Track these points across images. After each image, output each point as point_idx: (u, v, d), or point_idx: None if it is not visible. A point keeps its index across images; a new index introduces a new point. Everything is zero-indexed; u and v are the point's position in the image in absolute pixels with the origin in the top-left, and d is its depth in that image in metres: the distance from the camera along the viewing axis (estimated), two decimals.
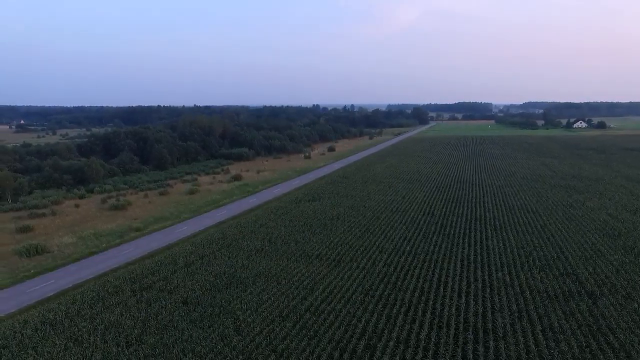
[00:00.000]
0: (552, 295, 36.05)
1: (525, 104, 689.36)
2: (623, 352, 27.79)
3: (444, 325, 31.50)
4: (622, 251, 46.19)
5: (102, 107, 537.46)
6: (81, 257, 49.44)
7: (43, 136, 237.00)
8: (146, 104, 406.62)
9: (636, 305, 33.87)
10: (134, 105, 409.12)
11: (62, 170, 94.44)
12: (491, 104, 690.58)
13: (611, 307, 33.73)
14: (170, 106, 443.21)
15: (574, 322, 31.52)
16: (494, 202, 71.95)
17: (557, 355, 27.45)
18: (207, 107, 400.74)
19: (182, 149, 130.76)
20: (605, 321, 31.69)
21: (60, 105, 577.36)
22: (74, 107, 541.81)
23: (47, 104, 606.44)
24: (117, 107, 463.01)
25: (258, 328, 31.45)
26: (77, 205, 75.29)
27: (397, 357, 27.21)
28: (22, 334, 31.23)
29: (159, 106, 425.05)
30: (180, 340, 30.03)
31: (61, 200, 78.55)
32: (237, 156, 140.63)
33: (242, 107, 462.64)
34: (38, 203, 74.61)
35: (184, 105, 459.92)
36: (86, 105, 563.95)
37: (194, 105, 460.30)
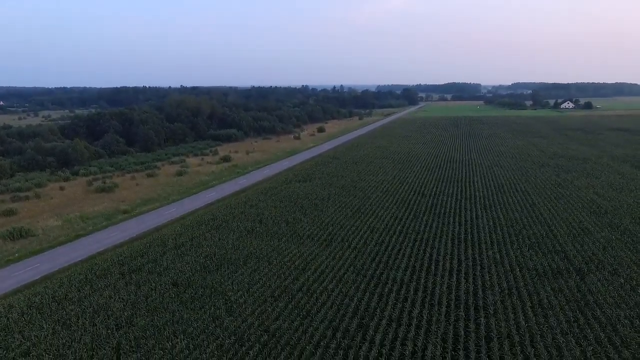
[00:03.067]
0: (541, 272, 36.50)
1: (513, 84, 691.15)
2: (610, 326, 28.32)
3: (436, 303, 31.69)
4: (608, 228, 46.89)
5: (85, 88, 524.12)
6: (67, 240, 48.44)
7: (24, 118, 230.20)
8: (131, 85, 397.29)
9: (622, 281, 34.49)
10: (118, 86, 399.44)
11: (45, 152, 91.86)
12: (480, 85, 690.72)
13: (598, 282, 34.29)
14: (156, 87, 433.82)
15: (563, 298, 31.99)
16: (483, 181, 72.33)
17: (546, 330, 27.85)
18: (194, 88, 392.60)
19: (169, 131, 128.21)
20: (593, 296, 32.23)
21: (41, 86, 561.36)
22: (55, 88, 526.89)
23: (27, 85, 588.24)
24: (100, 88, 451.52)
25: (250, 308, 31.25)
26: (62, 188, 73.55)
27: (390, 335, 27.31)
28: (8, 318, 30.53)
29: (144, 87, 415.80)
30: (171, 321, 29.68)
31: (45, 183, 76.61)
32: (225, 137, 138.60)
33: (230, 88, 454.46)
34: (21, 186, 72.64)
35: (170, 86, 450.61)
36: (68, 86, 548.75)
37: (181, 86, 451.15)
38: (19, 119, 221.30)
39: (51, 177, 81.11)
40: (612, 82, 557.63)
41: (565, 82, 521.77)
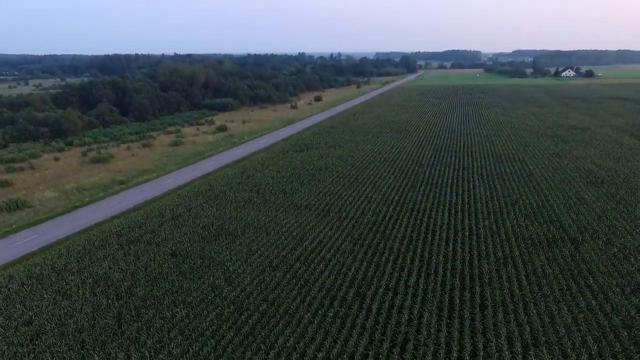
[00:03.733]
0: (536, 241, 36.89)
1: (514, 52, 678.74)
2: (601, 294, 28.90)
3: (432, 272, 32.12)
4: (604, 198, 47.13)
5: (76, 55, 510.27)
6: (64, 211, 48.36)
7: (14, 87, 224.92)
8: (123, 52, 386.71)
9: (615, 250, 34.95)
10: (109, 53, 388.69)
11: (38, 122, 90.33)
12: (480, 52, 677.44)
13: (592, 252, 34.75)
14: (148, 54, 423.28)
15: (557, 267, 32.47)
16: (481, 151, 72.03)
17: (540, 298, 28.40)
18: (188, 56, 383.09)
19: (163, 100, 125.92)
20: (586, 265, 32.73)
21: (30, 53, 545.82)
22: (45, 55, 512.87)
23: (16, 52, 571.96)
24: (92, 56, 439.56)
25: (249, 278, 31.62)
26: (56, 159, 72.81)
27: (386, 304, 27.80)
28: (9, 289, 30.81)
29: (136, 55, 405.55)
30: (170, 291, 30.06)
31: (39, 154, 75.76)
32: (221, 106, 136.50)
33: (225, 55, 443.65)
34: (15, 157, 71.78)
35: (163, 54, 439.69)
36: (58, 54, 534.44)
37: (174, 53, 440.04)
38: (10, 87, 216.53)
39: (45, 148, 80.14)
40: (614, 49, 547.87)
41: (568, 50, 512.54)
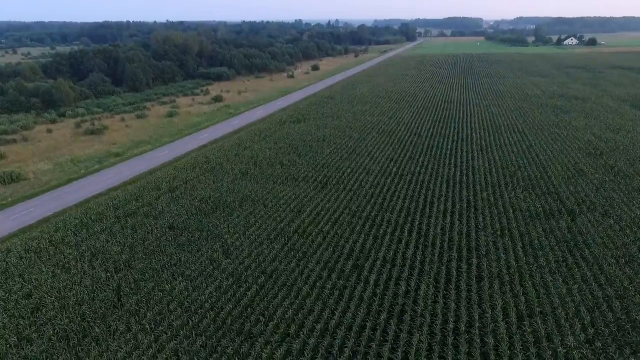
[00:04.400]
0: (533, 213, 36.96)
1: (516, 19, 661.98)
2: (596, 265, 29.21)
3: (429, 244, 32.28)
4: (602, 170, 47.01)
5: (65, 22, 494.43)
6: (60, 184, 47.92)
7: (2, 55, 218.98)
8: (113, 19, 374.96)
9: (612, 222, 35.10)
10: (100, 20, 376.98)
11: (28, 93, 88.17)
12: (481, 19, 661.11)
13: (588, 224, 34.89)
14: (140, 22, 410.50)
15: (553, 239, 32.65)
16: (480, 122, 71.25)
17: (535, 269, 28.69)
18: (181, 23, 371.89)
19: (157, 69, 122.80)
20: (582, 237, 32.93)
21: (17, 20, 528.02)
22: (33, 22, 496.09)
23: (1, 19, 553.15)
24: (82, 23, 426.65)
25: (247, 251, 31.70)
26: (49, 131, 71.58)
27: (384, 276, 28.03)
28: (7, 262, 30.82)
29: (128, 22, 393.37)
30: (169, 264, 30.15)
31: (31, 125, 74.35)
32: (216, 76, 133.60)
33: (220, 22, 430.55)
34: (7, 128, 70.51)
35: (155, 21, 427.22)
36: (46, 21, 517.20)
37: (167, 20, 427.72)
38: None
39: (37, 119, 78.61)
40: (620, 15, 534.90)
41: (571, 16, 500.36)
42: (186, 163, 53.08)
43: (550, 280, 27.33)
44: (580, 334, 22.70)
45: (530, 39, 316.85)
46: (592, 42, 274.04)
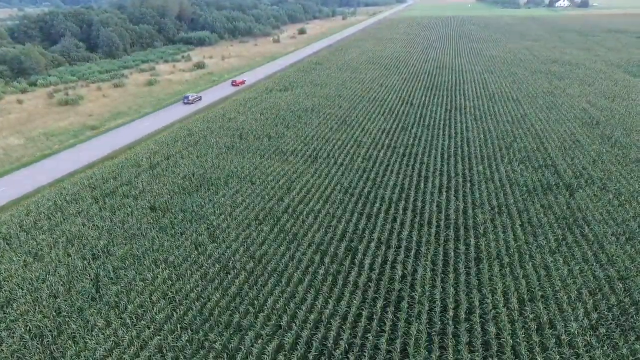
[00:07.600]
0: (531, 188, 35.76)
1: None
2: (597, 244, 28.35)
3: (425, 223, 30.94)
4: (599, 140, 45.83)
5: None
6: (32, 161, 44.88)
7: None
8: None
9: (611, 196, 34.16)
10: None
11: None
12: None
13: (587, 199, 33.89)
14: None
15: (552, 216, 31.62)
16: (474, 89, 68.99)
17: (535, 250, 27.69)
18: None
19: (134, 34, 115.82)
20: (582, 213, 31.97)
21: None
22: None
23: None
24: None
25: (234, 233, 29.94)
26: (19, 101, 67.04)
27: (379, 259, 26.71)
28: None
29: None
30: (150, 250, 28.30)
31: (0, 96, 69.60)
32: (198, 41, 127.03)
33: None
34: None
35: None
36: None
37: None
38: None
39: (5, 89, 73.57)
40: None
41: None
42: (167, 136, 50.18)
43: (551, 261, 26.40)
44: (583, 319, 21.92)
45: (522, 0, 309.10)
46: (585, 4, 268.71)
